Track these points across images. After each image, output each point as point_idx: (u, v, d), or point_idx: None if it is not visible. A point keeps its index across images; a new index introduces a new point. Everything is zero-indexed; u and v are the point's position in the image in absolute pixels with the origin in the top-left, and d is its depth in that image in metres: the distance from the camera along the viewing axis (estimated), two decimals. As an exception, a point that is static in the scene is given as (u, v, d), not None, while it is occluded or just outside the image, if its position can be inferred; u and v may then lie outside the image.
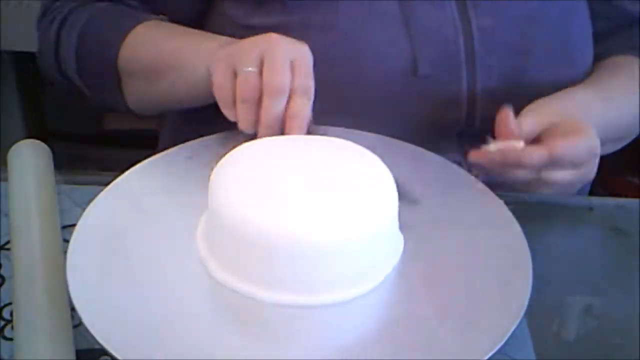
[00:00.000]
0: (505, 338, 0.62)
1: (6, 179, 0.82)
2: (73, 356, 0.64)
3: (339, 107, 0.79)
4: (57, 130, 1.85)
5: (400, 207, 0.69)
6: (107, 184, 0.75)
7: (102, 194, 0.74)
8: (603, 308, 0.78)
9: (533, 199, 0.87)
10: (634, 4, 0.99)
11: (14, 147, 0.85)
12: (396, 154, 0.77)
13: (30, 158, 0.83)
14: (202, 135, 0.81)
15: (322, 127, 0.77)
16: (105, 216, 0.72)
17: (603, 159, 0.98)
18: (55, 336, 0.65)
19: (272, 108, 0.74)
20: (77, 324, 0.68)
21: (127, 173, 0.77)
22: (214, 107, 0.77)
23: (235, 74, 0.75)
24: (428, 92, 0.87)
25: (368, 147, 0.73)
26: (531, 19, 0.89)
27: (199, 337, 0.63)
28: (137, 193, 0.76)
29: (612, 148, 0.95)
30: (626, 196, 0.92)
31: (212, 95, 0.77)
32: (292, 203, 0.66)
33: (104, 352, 0.66)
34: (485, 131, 0.82)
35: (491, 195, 0.76)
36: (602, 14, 0.97)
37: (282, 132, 0.74)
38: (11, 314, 0.71)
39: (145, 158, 0.79)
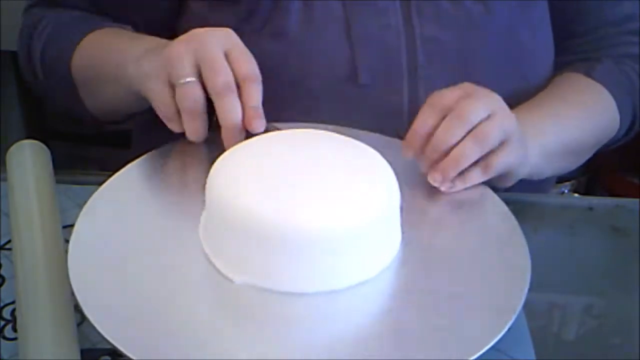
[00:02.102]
0: (501, 334, 0.62)
1: (6, 179, 0.82)
2: (78, 356, 0.64)
3: (283, 112, 0.78)
4: (57, 130, 1.85)
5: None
6: (107, 184, 0.75)
7: (96, 193, 0.74)
8: (603, 308, 0.78)
9: (533, 199, 0.87)
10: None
11: (13, 147, 0.85)
12: (392, 150, 0.77)
13: (29, 158, 0.83)
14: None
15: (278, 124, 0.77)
16: (103, 215, 0.72)
17: (603, 158, 0.98)
18: (60, 336, 0.65)
19: (227, 109, 0.73)
20: (78, 324, 0.68)
21: (121, 171, 0.77)
22: None
23: (172, 87, 0.74)
24: (369, 100, 0.85)
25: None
26: (476, 31, 0.88)
27: (205, 331, 0.63)
28: (133, 190, 0.76)
29: (568, 165, 0.93)
30: (626, 196, 0.92)
31: (146, 101, 0.77)
32: (292, 195, 0.66)
33: (105, 351, 0.66)
34: None
35: (489, 192, 0.76)
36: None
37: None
38: (11, 314, 0.71)
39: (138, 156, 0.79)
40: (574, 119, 0.90)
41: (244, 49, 0.76)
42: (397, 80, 0.86)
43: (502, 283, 0.67)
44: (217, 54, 0.74)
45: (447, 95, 0.75)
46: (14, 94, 1.79)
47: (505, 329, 0.62)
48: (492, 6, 0.88)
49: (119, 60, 0.83)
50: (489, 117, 0.74)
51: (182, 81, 0.73)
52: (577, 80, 0.95)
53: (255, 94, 0.74)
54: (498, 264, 0.69)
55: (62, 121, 1.85)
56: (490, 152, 0.75)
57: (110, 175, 0.76)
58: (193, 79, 0.73)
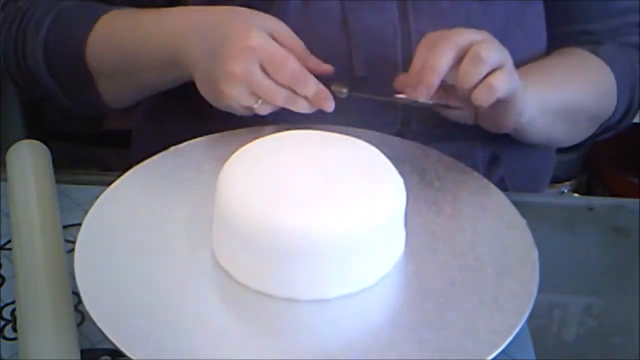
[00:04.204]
0: (509, 339, 0.62)
1: (6, 179, 0.82)
2: (78, 356, 0.64)
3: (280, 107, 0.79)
4: (57, 130, 1.85)
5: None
6: (107, 184, 0.75)
7: (102, 196, 0.74)
8: (603, 308, 0.78)
9: (533, 199, 0.87)
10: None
11: (12, 147, 0.85)
12: (396, 149, 0.77)
13: (29, 158, 0.83)
14: (179, 131, 0.81)
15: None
16: (109, 216, 0.72)
17: (603, 158, 0.98)
18: (60, 336, 0.65)
19: (307, 86, 0.77)
20: (78, 324, 0.68)
21: (126, 174, 0.77)
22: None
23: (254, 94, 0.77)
24: (364, 93, 0.86)
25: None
26: (471, 26, 0.87)
27: (211, 335, 0.63)
28: (141, 191, 0.76)
29: (563, 130, 0.93)
30: (626, 196, 0.92)
31: (183, 75, 0.81)
32: (300, 199, 0.66)
33: (105, 351, 0.66)
34: (423, 133, 0.82)
35: (498, 193, 0.76)
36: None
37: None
38: (11, 314, 0.71)
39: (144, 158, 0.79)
40: (572, 82, 0.91)
41: (290, 31, 0.80)
42: (392, 73, 0.86)
43: (509, 284, 0.67)
44: (280, 51, 0.77)
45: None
46: (14, 94, 1.79)
47: (516, 331, 0.63)
48: (488, 6, 0.88)
49: (153, 32, 0.85)
50: (481, 41, 0.76)
51: (256, 106, 0.77)
52: (580, 52, 0.95)
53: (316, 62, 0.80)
54: (505, 265, 0.69)
55: (62, 121, 1.85)
56: (490, 73, 0.76)
57: (118, 175, 0.76)
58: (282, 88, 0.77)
